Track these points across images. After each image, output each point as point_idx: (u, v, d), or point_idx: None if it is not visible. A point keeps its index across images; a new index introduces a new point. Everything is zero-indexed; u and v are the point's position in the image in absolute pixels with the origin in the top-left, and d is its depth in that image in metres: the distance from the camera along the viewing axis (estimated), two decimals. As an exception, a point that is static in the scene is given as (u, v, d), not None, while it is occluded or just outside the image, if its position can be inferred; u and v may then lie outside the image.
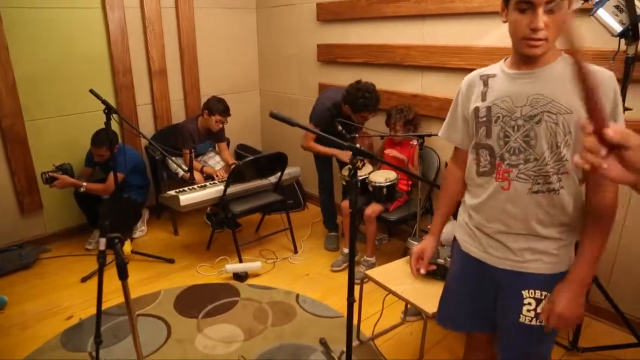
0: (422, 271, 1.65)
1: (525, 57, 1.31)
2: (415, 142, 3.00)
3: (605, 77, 1.25)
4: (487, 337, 1.64)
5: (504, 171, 1.37)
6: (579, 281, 1.32)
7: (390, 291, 2.22)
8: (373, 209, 3.09)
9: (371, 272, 2.38)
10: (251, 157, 3.37)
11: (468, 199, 1.53)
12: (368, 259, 3.21)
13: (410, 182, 3.29)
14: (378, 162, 3.23)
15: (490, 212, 1.43)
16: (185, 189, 3.30)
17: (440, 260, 2.21)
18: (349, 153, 1.66)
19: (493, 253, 1.45)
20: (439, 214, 1.70)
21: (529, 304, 1.40)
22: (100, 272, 1.87)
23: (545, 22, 1.22)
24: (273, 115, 1.61)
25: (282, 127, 1.67)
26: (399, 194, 3.20)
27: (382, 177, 3.07)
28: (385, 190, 3.05)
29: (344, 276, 3.16)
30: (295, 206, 4.34)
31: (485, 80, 1.42)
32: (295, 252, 3.56)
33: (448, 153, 3.16)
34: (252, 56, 4.66)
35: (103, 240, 1.60)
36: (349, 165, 1.70)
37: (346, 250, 3.37)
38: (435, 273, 2.22)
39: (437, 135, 2.80)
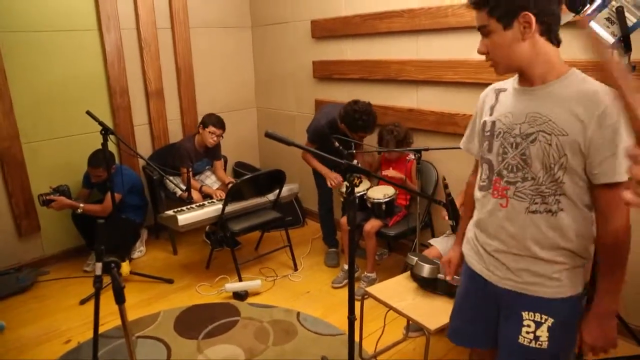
0: (449, 278, 1.73)
1: (520, 74, 1.33)
2: (412, 157, 3.00)
3: (611, 100, 1.16)
4: (490, 353, 1.61)
5: (503, 188, 1.36)
6: (603, 312, 1.31)
7: (391, 307, 2.20)
8: (372, 225, 3.08)
9: (372, 289, 2.36)
10: (249, 175, 3.37)
11: (474, 215, 1.52)
12: (369, 274, 3.19)
13: (408, 197, 3.28)
14: (375, 178, 3.22)
15: (490, 230, 1.42)
16: (184, 208, 3.29)
17: (440, 276, 2.18)
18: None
19: (495, 272, 1.43)
20: (463, 226, 1.69)
21: (528, 325, 1.37)
22: (96, 297, 1.84)
23: (486, 46, 1.29)
24: (268, 135, 1.61)
25: (280, 144, 1.67)
26: (397, 208, 3.19)
27: (381, 193, 3.06)
28: (383, 206, 3.04)
29: (345, 293, 3.12)
30: (295, 223, 4.32)
31: (497, 94, 1.43)
32: (296, 269, 3.53)
33: (446, 166, 3.19)
34: (248, 74, 4.69)
35: (99, 265, 1.58)
36: (346, 182, 1.69)
37: (347, 267, 3.35)
38: (436, 288, 2.21)
39: (434, 149, 2.84)
